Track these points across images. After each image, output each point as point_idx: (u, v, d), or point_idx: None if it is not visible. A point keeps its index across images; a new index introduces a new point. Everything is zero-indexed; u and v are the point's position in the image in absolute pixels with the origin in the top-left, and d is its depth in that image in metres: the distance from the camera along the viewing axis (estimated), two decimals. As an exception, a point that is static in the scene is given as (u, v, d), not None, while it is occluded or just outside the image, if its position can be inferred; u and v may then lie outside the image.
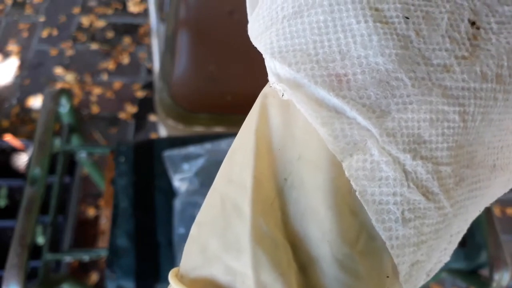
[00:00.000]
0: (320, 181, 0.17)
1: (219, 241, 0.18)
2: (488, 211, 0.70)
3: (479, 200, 0.19)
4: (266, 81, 0.20)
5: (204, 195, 0.20)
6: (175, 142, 0.76)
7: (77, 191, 1.22)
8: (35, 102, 1.55)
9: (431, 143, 0.17)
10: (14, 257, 0.59)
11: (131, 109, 1.55)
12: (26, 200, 0.64)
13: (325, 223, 0.17)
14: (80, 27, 1.75)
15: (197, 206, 0.69)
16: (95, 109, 1.53)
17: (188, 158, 0.74)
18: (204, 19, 1.00)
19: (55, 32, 1.73)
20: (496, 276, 0.64)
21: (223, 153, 0.74)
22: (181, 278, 0.19)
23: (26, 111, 1.52)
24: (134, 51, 1.69)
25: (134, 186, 0.72)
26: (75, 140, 0.85)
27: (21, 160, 1.26)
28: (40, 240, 0.65)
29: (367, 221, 0.17)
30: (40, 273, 0.65)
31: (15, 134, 1.42)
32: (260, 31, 0.20)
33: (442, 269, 0.69)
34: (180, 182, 0.72)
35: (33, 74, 1.61)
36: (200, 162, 0.73)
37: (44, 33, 1.72)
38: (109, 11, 1.81)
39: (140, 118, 1.53)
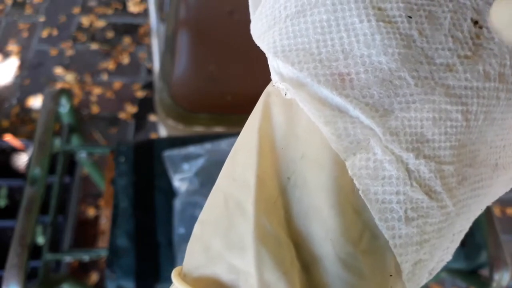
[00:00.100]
0: (323, 180, 0.17)
1: (222, 240, 0.18)
2: (488, 211, 0.70)
3: (481, 199, 0.19)
4: (266, 81, 0.20)
5: (204, 195, 0.20)
6: (175, 142, 0.76)
7: (77, 191, 1.22)
8: (35, 102, 1.54)
9: (434, 142, 0.17)
10: (14, 257, 0.59)
11: (131, 109, 1.55)
12: (26, 200, 0.64)
13: (328, 222, 0.17)
14: (80, 27, 1.75)
15: (197, 206, 0.69)
16: (95, 109, 1.53)
17: (188, 158, 0.74)
18: (204, 19, 1.00)
19: (55, 32, 1.73)
20: (496, 276, 0.64)
21: (223, 153, 0.74)
22: (184, 277, 0.19)
23: (26, 111, 1.52)
24: (134, 51, 1.69)
25: (134, 186, 0.72)
26: (75, 140, 0.85)
27: (21, 160, 1.26)
28: (40, 240, 0.65)
29: (370, 220, 0.17)
30: (40, 273, 0.65)
31: (15, 134, 1.42)
32: (263, 30, 0.20)
33: (442, 269, 0.69)
34: (180, 182, 0.72)
35: (33, 74, 1.61)
36: (200, 162, 0.73)
37: (44, 33, 1.72)
38: (109, 11, 1.81)
39: (140, 118, 1.53)
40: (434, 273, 0.20)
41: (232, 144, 0.21)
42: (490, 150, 0.19)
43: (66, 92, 0.77)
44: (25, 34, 1.72)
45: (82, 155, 0.80)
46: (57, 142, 0.75)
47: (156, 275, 0.66)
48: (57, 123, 0.76)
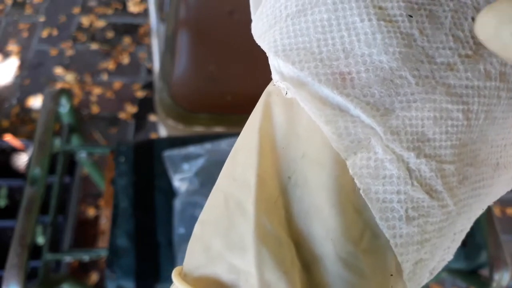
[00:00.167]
0: (324, 179, 0.17)
1: (223, 240, 0.18)
2: (488, 211, 0.70)
3: (482, 198, 0.19)
4: (267, 80, 0.20)
5: (204, 195, 0.20)
6: (175, 142, 0.76)
7: (77, 191, 1.22)
8: (35, 102, 1.54)
9: (435, 141, 0.17)
10: (14, 257, 0.59)
11: (131, 109, 1.55)
12: (26, 200, 0.64)
13: (329, 221, 0.17)
14: (80, 27, 1.75)
15: (197, 206, 0.69)
16: (95, 109, 1.53)
17: (188, 158, 0.74)
18: (204, 19, 1.00)
19: (55, 32, 1.73)
20: (496, 276, 0.64)
21: (223, 153, 0.74)
22: (184, 277, 0.19)
23: (26, 111, 1.52)
24: (134, 51, 1.69)
25: (134, 186, 0.72)
26: (75, 140, 0.85)
27: (21, 160, 1.26)
28: (40, 240, 0.65)
29: (371, 219, 0.17)
30: (40, 273, 0.65)
31: (15, 134, 1.42)
32: (264, 30, 0.20)
33: (443, 269, 0.69)
34: (180, 182, 0.72)
35: (33, 74, 1.61)
36: (200, 162, 0.73)
37: (44, 33, 1.72)
38: (109, 11, 1.81)
39: (140, 118, 1.53)
40: (435, 272, 0.20)
41: (232, 144, 0.21)
42: (491, 150, 0.19)
43: (66, 92, 0.77)
44: (25, 34, 1.72)
45: (82, 155, 0.80)
46: (57, 142, 0.75)
47: (156, 275, 0.66)
48: (57, 123, 0.76)
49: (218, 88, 0.92)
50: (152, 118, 1.53)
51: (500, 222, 0.80)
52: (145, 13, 1.79)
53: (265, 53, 0.19)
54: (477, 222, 0.69)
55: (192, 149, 0.75)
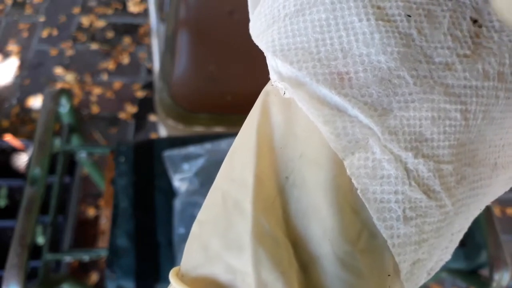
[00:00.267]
0: (321, 179, 0.17)
1: (220, 240, 0.18)
2: (488, 210, 0.70)
3: (480, 198, 0.19)
4: (266, 80, 0.20)
5: (204, 195, 0.20)
6: (175, 142, 0.76)
7: (77, 191, 1.22)
8: (35, 102, 1.55)
9: (433, 141, 0.17)
10: (14, 257, 0.59)
11: (131, 109, 1.55)
12: (26, 200, 0.64)
13: (326, 221, 0.17)
14: (80, 27, 1.75)
15: (197, 206, 0.69)
16: (95, 109, 1.53)
17: (188, 158, 0.74)
18: (204, 19, 1.00)
19: (55, 32, 1.73)
20: (496, 276, 0.64)
21: (223, 153, 0.74)
22: (182, 277, 0.19)
23: (26, 111, 1.52)
24: (134, 51, 1.69)
25: (134, 186, 0.72)
26: (75, 140, 0.85)
27: (21, 160, 1.26)
28: (40, 240, 0.65)
29: (368, 219, 0.17)
30: (40, 273, 0.65)
31: (15, 134, 1.42)
32: (262, 30, 0.20)
33: (442, 269, 0.69)
34: (180, 182, 0.72)
35: (33, 74, 1.61)
36: (200, 162, 0.73)
37: (44, 33, 1.72)
38: (109, 11, 1.81)
39: (140, 118, 1.53)
40: (433, 273, 0.20)
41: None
42: (489, 150, 0.19)
43: (66, 92, 0.77)
44: (25, 34, 1.72)
45: (82, 155, 0.80)
46: (57, 142, 0.75)
47: (156, 275, 0.66)
48: (57, 123, 0.76)
49: (218, 88, 0.92)
50: (152, 118, 1.53)
51: (500, 222, 0.80)
52: (145, 13, 1.79)
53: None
54: (477, 222, 0.69)
55: (192, 149, 0.75)
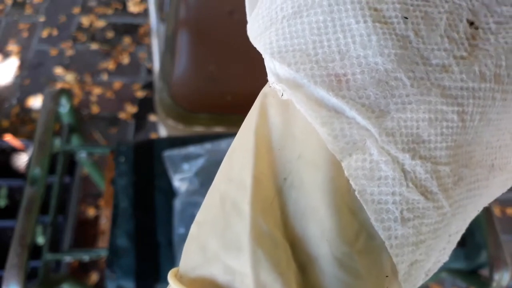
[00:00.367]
0: (319, 180, 0.17)
1: (219, 241, 0.18)
2: (488, 211, 0.70)
3: (477, 199, 0.19)
4: (266, 81, 0.20)
5: (204, 195, 0.20)
6: (175, 142, 0.76)
7: (77, 191, 1.22)
8: (35, 102, 1.55)
9: (430, 142, 0.17)
10: (14, 257, 0.59)
11: (131, 109, 1.55)
12: (26, 200, 0.64)
13: (324, 222, 0.17)
14: (80, 27, 1.75)
15: (197, 206, 0.70)
16: (95, 109, 1.53)
17: (188, 158, 0.74)
18: (204, 19, 1.00)
19: (55, 32, 1.73)
20: (496, 276, 0.64)
21: (223, 153, 0.74)
22: (180, 278, 0.19)
23: (26, 111, 1.52)
24: (134, 51, 1.69)
25: (134, 186, 0.72)
26: (75, 140, 0.85)
27: (21, 160, 1.26)
28: (40, 240, 0.65)
29: (366, 220, 0.17)
30: (40, 273, 0.65)
31: (15, 134, 1.42)
32: (260, 32, 0.20)
33: (442, 269, 0.69)
34: (180, 182, 0.72)
35: (33, 74, 1.62)
36: (200, 162, 0.73)
37: (44, 33, 1.73)
38: (109, 11, 1.81)
39: (140, 118, 1.54)
40: (431, 274, 0.20)
41: (232, 144, 0.21)
42: (486, 151, 0.19)
43: (66, 92, 0.77)
44: (25, 34, 1.72)
45: (82, 155, 0.81)
46: (57, 142, 0.75)
47: (156, 275, 0.66)
48: (57, 123, 0.76)
49: (218, 88, 0.92)
50: (152, 118, 1.53)
51: (500, 222, 0.80)
52: (145, 13, 1.79)
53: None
54: (477, 222, 0.69)
55: (192, 149, 0.75)
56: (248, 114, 0.20)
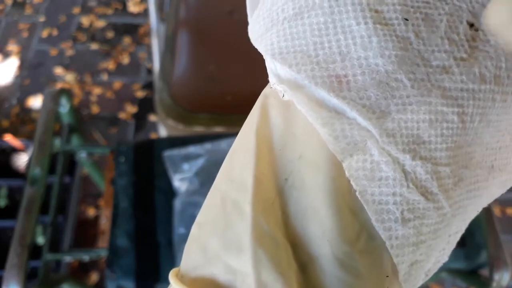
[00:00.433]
0: (320, 181, 0.17)
1: (220, 240, 0.18)
2: (488, 211, 0.70)
3: (477, 200, 0.19)
4: (267, 81, 0.20)
5: (204, 195, 0.21)
6: (175, 142, 0.76)
7: (77, 191, 1.22)
8: (35, 102, 1.55)
9: (430, 143, 0.17)
10: (14, 257, 0.59)
11: (131, 109, 1.55)
12: (26, 200, 0.64)
13: (325, 222, 0.17)
14: (80, 27, 1.75)
15: (197, 206, 0.70)
16: (95, 109, 1.53)
17: (188, 158, 0.74)
18: (204, 19, 1.00)
19: (55, 32, 1.73)
20: (496, 276, 0.64)
21: (223, 153, 0.74)
22: (181, 278, 0.20)
23: (26, 111, 1.52)
24: (134, 51, 1.69)
25: (134, 186, 0.72)
26: (75, 140, 0.85)
27: (21, 160, 1.26)
28: (40, 240, 0.66)
29: (367, 220, 0.17)
30: (40, 273, 0.65)
31: (15, 134, 1.42)
32: (261, 33, 0.20)
33: (442, 269, 0.69)
34: (180, 182, 0.72)
35: (33, 74, 1.62)
36: (200, 162, 0.74)
37: (44, 33, 1.72)
38: (109, 11, 1.81)
39: (140, 118, 1.54)
40: (431, 274, 0.20)
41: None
42: (486, 152, 0.19)
43: (66, 92, 0.77)
44: (25, 34, 1.72)
45: (82, 155, 0.81)
46: (57, 142, 0.75)
47: (156, 275, 0.66)
48: (57, 123, 0.76)
49: (218, 88, 0.92)
50: (152, 118, 1.53)
51: (500, 222, 0.80)
52: (145, 13, 1.79)
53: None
54: (477, 222, 0.69)
55: (192, 149, 0.75)
56: (249, 115, 0.20)
